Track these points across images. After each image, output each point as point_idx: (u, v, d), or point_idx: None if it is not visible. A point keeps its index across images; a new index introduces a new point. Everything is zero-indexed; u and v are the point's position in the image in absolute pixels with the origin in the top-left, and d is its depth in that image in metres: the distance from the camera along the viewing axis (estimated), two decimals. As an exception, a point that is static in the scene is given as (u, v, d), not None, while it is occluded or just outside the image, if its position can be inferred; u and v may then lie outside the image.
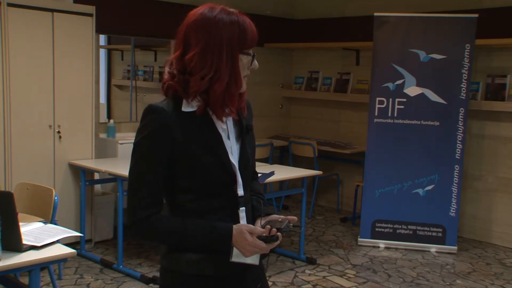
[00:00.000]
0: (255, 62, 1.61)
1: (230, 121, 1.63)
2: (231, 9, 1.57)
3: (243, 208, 1.63)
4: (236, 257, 1.56)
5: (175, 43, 1.59)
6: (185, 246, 1.58)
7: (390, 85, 5.11)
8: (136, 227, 1.56)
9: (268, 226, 1.57)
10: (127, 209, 1.57)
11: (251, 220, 1.67)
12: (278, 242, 1.56)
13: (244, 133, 1.67)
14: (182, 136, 1.54)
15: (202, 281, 1.60)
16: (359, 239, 5.27)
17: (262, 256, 1.63)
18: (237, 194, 1.61)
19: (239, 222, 1.61)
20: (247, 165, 1.67)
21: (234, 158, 1.61)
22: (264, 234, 1.54)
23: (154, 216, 1.55)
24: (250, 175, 1.71)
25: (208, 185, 1.57)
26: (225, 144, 1.60)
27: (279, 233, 1.55)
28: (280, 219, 1.61)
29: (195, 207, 1.58)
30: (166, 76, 1.59)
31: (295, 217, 1.63)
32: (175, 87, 1.55)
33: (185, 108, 1.56)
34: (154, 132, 1.53)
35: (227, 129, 1.62)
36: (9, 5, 4.22)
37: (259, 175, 4.88)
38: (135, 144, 1.57)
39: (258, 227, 1.56)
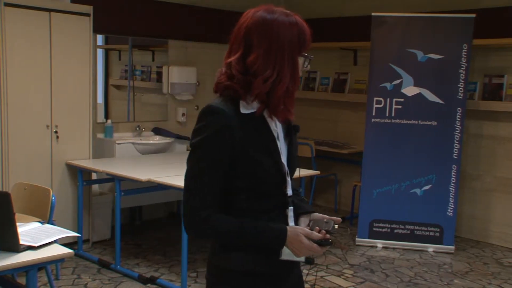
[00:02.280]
0: (308, 64, 1.65)
1: (278, 122, 1.66)
2: (288, 11, 1.60)
3: (291, 207, 1.68)
4: (286, 255, 1.61)
5: (231, 44, 1.61)
6: (241, 245, 1.60)
7: (388, 85, 5.11)
8: (197, 227, 1.58)
9: (318, 228, 1.61)
10: (186, 209, 1.58)
11: (294, 217, 1.71)
12: (331, 244, 1.62)
13: (292, 134, 1.71)
14: (242, 137, 1.56)
15: (253, 279, 1.63)
16: (357, 239, 5.27)
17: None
18: (287, 194, 1.66)
19: (287, 221, 1.66)
20: (294, 165, 1.72)
21: (283, 159, 1.65)
22: (319, 238, 1.59)
23: (213, 216, 1.57)
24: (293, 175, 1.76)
25: (263, 186, 1.60)
26: (278, 145, 1.64)
27: (328, 235, 1.60)
28: (325, 220, 1.66)
29: (249, 207, 1.61)
30: (222, 76, 1.61)
31: (339, 218, 1.67)
32: (235, 88, 1.57)
33: (243, 109, 1.58)
34: (216, 132, 1.54)
35: (277, 130, 1.65)
36: (6, 4, 4.21)
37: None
38: (195, 144, 1.57)
39: (314, 232, 1.60)
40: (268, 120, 1.62)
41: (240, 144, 1.55)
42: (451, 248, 5.12)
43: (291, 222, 1.68)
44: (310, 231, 1.60)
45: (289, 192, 1.66)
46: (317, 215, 1.70)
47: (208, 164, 1.55)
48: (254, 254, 1.61)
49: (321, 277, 4.39)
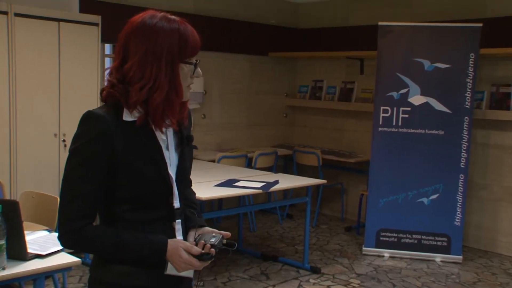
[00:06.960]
0: (198, 70, 1.58)
1: (170, 132, 1.61)
2: (172, 17, 1.54)
3: (179, 220, 1.62)
4: (171, 270, 1.56)
5: (115, 51, 1.55)
6: (119, 258, 1.54)
7: (395, 94, 5.11)
8: (68, 237, 1.52)
9: (202, 241, 1.57)
10: (59, 218, 1.52)
11: (184, 231, 1.65)
12: (212, 259, 1.57)
13: (184, 144, 1.64)
14: (122, 146, 1.50)
15: None
16: (363, 248, 5.25)
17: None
18: (174, 206, 1.60)
19: (174, 234, 1.60)
20: (185, 177, 1.66)
21: (172, 170, 1.59)
22: (199, 252, 1.54)
23: (88, 227, 1.51)
24: (185, 186, 1.70)
25: (146, 197, 1.54)
26: (164, 155, 1.57)
27: (212, 249, 1.56)
28: (213, 233, 1.61)
29: (131, 217, 1.55)
30: (106, 83, 1.56)
31: (228, 233, 1.62)
32: (116, 96, 1.51)
33: (126, 117, 1.52)
34: (93, 140, 1.48)
35: (166, 140, 1.59)
36: (16, 15, 4.25)
37: (262, 184, 4.86)
38: (72, 150, 1.51)
39: (194, 246, 1.55)
40: (155, 128, 1.56)
41: (120, 153, 1.49)
42: (459, 257, 5.09)
43: (179, 236, 1.61)
44: (191, 245, 1.55)
45: (176, 204, 1.60)
46: (207, 229, 1.65)
47: (84, 172, 1.49)
48: (137, 268, 1.55)
49: (328, 286, 4.38)
